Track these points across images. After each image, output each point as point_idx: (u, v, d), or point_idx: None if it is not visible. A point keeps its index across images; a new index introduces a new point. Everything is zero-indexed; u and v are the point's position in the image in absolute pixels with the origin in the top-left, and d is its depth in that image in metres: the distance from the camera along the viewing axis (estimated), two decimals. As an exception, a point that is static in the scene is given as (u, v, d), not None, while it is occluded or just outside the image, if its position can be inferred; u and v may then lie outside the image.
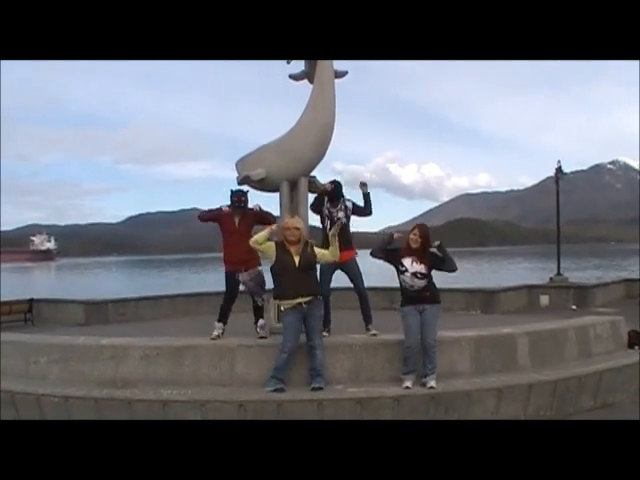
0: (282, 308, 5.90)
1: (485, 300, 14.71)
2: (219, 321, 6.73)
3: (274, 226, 6.13)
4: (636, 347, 7.40)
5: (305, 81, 8.00)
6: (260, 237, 5.98)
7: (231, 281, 6.78)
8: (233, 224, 6.80)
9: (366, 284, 7.20)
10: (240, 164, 7.80)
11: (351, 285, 7.15)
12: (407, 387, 5.67)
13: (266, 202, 7.28)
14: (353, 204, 7.05)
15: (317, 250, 6.04)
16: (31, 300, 15.28)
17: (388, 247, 6.15)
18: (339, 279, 7.10)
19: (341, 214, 6.89)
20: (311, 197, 7.32)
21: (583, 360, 6.74)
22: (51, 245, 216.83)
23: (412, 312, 5.89)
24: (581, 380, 6.19)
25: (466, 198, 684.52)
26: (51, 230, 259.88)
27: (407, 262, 5.94)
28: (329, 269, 6.85)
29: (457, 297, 14.54)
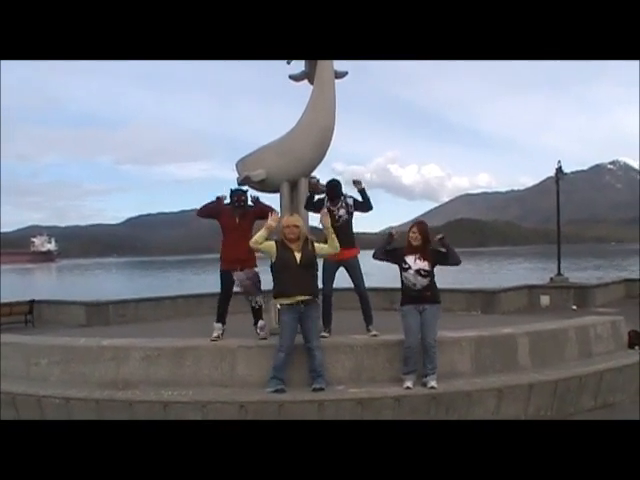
0: (278, 306, 5.89)
1: (485, 300, 14.72)
2: (218, 321, 6.72)
3: (272, 223, 6.07)
4: (636, 347, 7.40)
5: (305, 81, 8.01)
6: (259, 237, 5.97)
7: (226, 280, 6.73)
8: (234, 221, 6.75)
9: (367, 285, 7.19)
10: (240, 165, 7.81)
11: (352, 285, 7.15)
12: (408, 387, 5.67)
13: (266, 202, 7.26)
14: (354, 200, 7.03)
15: (317, 245, 6.06)
16: (32, 301, 15.29)
17: (389, 247, 6.16)
18: (341, 280, 7.09)
19: (342, 211, 6.88)
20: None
21: (583, 360, 6.74)
22: (52, 246, 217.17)
23: (412, 312, 5.89)
24: (581, 380, 6.19)
25: (466, 198, 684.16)
26: (51, 231, 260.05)
27: (410, 259, 5.94)
28: (332, 266, 6.84)
29: (458, 297, 14.56)
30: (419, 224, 6.10)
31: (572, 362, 6.65)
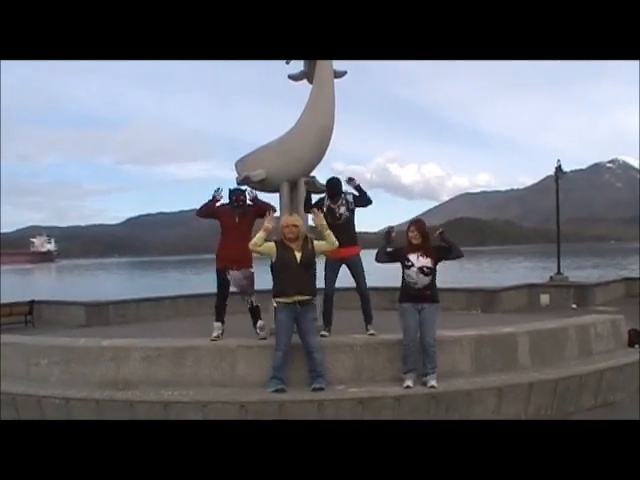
0: (275, 304, 5.89)
1: (486, 299, 14.74)
2: (217, 321, 6.72)
3: (269, 225, 6.09)
4: (636, 346, 7.40)
5: (304, 81, 8.01)
6: (258, 238, 5.98)
7: (222, 279, 6.73)
8: (234, 221, 6.73)
9: (367, 284, 7.18)
10: (240, 164, 7.80)
11: (353, 285, 7.14)
12: (408, 386, 5.67)
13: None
14: (354, 197, 7.04)
15: (316, 243, 6.07)
16: (32, 302, 15.29)
17: (389, 249, 6.17)
18: (342, 280, 7.08)
19: (343, 209, 6.88)
20: (314, 198, 7.26)
21: (584, 359, 6.74)
22: (51, 247, 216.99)
23: (410, 310, 5.90)
24: (582, 379, 6.20)
25: (466, 197, 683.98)
26: (51, 232, 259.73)
27: (413, 257, 5.95)
28: (334, 265, 6.84)
29: (458, 296, 14.59)
30: (416, 222, 6.13)
31: (572, 361, 6.65)
